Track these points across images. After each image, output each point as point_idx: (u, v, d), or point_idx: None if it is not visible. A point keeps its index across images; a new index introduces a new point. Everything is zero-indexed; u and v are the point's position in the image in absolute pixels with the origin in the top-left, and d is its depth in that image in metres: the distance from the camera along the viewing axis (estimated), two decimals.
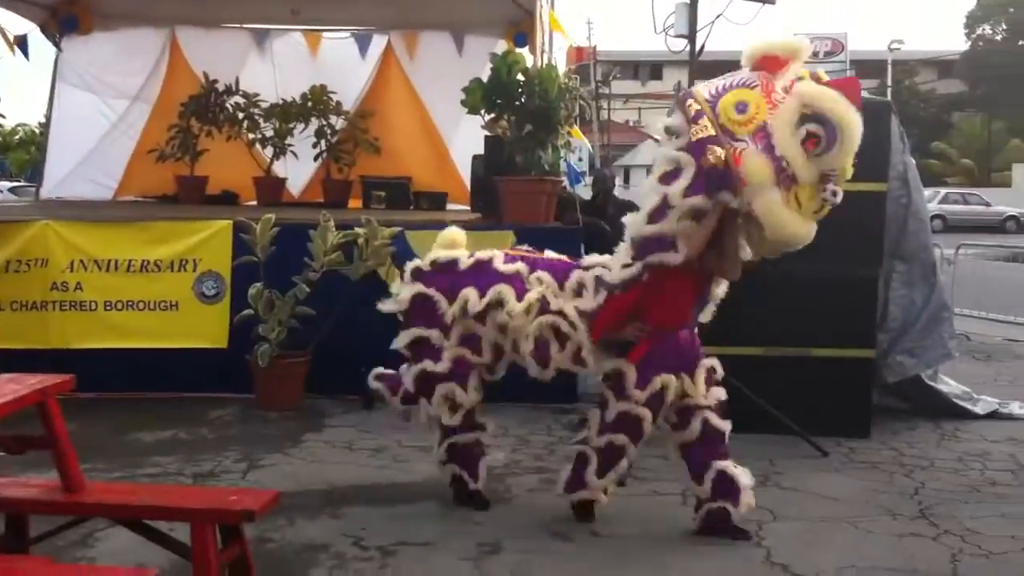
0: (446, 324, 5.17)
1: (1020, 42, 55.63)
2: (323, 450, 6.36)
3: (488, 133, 8.40)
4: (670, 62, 47.01)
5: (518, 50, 8.72)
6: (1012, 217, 37.31)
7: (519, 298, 5.01)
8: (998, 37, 57.89)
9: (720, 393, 5.02)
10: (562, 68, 9.16)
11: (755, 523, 5.10)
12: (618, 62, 52.75)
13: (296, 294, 7.30)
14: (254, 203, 10.38)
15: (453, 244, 5.47)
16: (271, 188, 10.56)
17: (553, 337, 5.00)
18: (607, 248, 8.17)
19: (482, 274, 5.16)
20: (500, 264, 5.19)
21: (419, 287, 5.30)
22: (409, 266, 5.48)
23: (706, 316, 5.17)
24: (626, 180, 34.04)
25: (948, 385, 7.66)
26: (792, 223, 4.47)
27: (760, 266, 5.03)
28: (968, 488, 5.77)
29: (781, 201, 4.40)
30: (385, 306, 5.50)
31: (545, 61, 9.29)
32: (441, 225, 8.08)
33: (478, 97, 7.77)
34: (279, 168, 10.92)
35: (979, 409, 7.46)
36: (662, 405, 4.88)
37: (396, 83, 11.58)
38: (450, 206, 10.58)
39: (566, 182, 8.82)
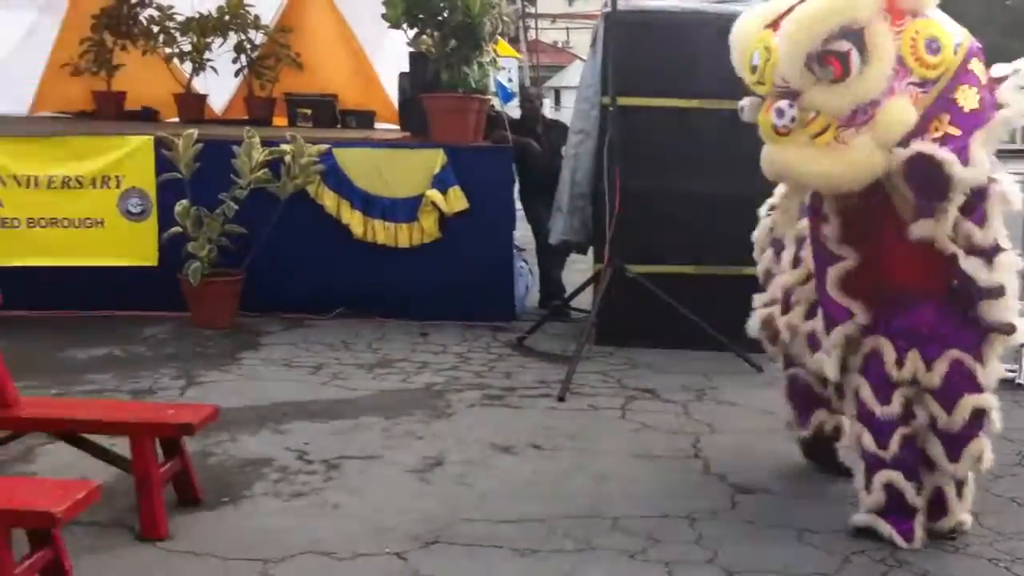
0: None
1: None
2: (261, 368, 6.31)
3: (412, 50, 8.25)
4: None
5: None
6: None
7: None
8: None
9: None
10: None
11: (692, 436, 5.23)
12: None
13: (224, 211, 7.15)
14: (176, 120, 10.07)
15: None
16: (192, 105, 10.22)
17: None
18: (535, 167, 8.22)
19: None
20: None
21: None
22: None
23: None
24: (557, 101, 33.83)
25: None
26: None
27: None
28: None
29: None
30: None
31: None
32: (368, 143, 8.02)
33: (399, 11, 7.60)
34: (199, 84, 10.55)
35: None
36: None
37: None
38: (378, 125, 10.40)
39: (495, 101, 8.74)
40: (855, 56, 3.45)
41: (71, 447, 4.24)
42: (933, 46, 3.55)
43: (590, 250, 7.55)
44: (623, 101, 6.85)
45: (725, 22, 7.11)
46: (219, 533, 3.91)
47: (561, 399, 5.76)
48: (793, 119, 3.57)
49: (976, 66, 3.69)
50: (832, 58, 3.46)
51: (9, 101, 10.15)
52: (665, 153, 7.01)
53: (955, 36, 3.66)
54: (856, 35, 3.45)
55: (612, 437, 5.20)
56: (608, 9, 6.96)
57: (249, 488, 4.37)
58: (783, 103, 3.58)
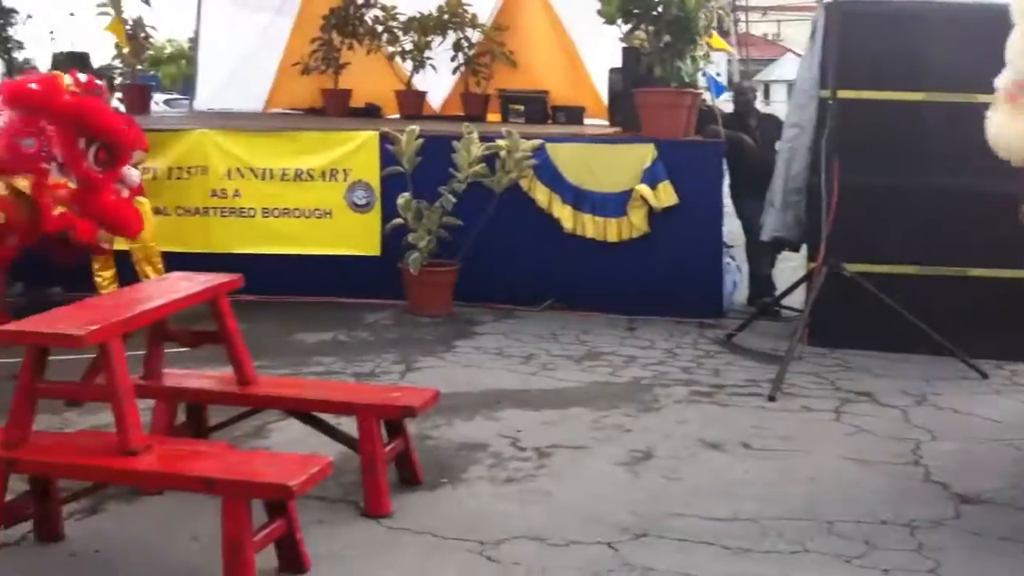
0: None
1: None
2: (475, 355, 6.52)
3: (625, 45, 8.28)
4: None
5: None
6: None
7: None
8: None
9: None
10: None
11: (912, 442, 5.05)
12: None
13: (443, 204, 7.41)
14: (396, 116, 10.50)
15: None
16: (412, 101, 10.64)
17: None
18: (748, 162, 8.09)
19: None
20: None
21: None
22: None
23: None
24: (766, 95, 33.07)
25: None
26: None
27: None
28: None
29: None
30: None
31: None
32: (580, 139, 8.12)
33: (614, 7, 7.65)
34: (419, 81, 10.97)
35: None
36: None
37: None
38: (587, 120, 10.50)
39: (707, 95, 8.66)
40: None
41: (300, 425, 4.53)
42: None
43: (803, 247, 7.38)
44: (843, 94, 6.65)
45: (952, 12, 6.86)
46: (438, 513, 4.09)
47: (772, 399, 5.67)
48: None
49: None
50: None
51: (246, 98, 10.87)
52: (886, 147, 6.76)
53: None
54: None
55: (826, 440, 5.08)
56: (830, 0, 6.78)
57: (465, 471, 4.54)
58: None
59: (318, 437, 4.44)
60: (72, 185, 5.04)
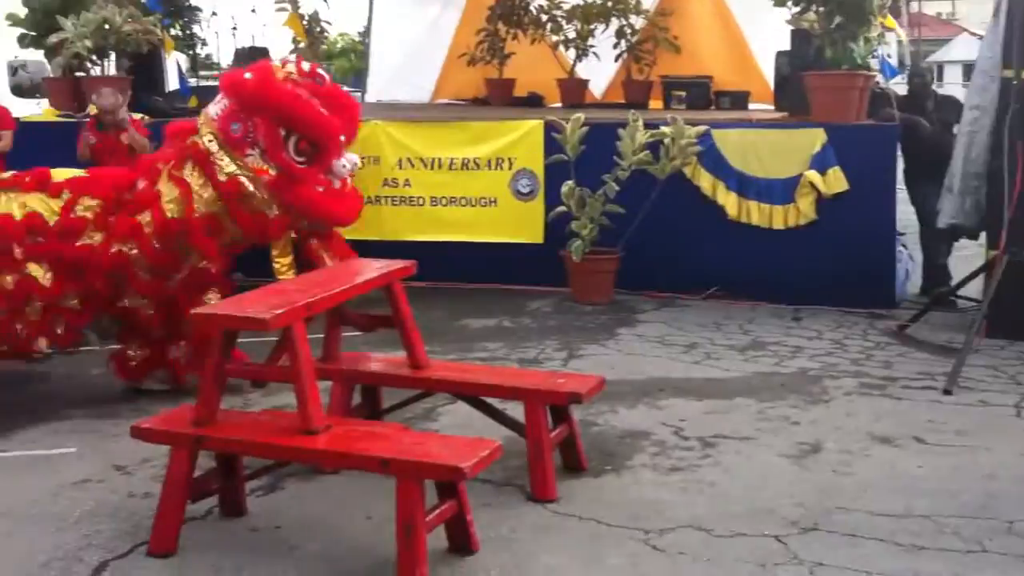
0: None
1: None
2: (636, 343, 6.54)
3: (793, 27, 8.09)
4: None
5: None
6: None
7: None
8: None
9: None
10: None
11: None
12: None
13: (606, 192, 7.44)
14: (558, 105, 10.58)
15: None
16: (574, 89, 10.70)
17: None
18: (924, 146, 7.79)
19: None
20: None
21: None
22: None
23: None
24: (939, 77, 31.67)
25: None
26: None
27: None
28: None
29: None
30: None
31: None
32: (746, 124, 7.99)
33: None
34: (581, 70, 11.02)
35: None
36: None
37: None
38: (752, 105, 10.32)
39: (879, 77, 8.38)
40: None
41: (466, 408, 4.66)
42: None
43: (981, 235, 7.07)
44: None
45: None
46: (602, 500, 4.14)
47: (947, 392, 5.48)
48: None
49: None
50: None
51: (413, 89, 11.17)
52: None
53: None
54: None
55: (1005, 436, 4.88)
56: None
57: (629, 459, 4.58)
58: None
59: (483, 420, 4.56)
60: (273, 172, 5.17)
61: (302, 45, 10.28)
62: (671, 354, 6.29)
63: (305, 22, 10.25)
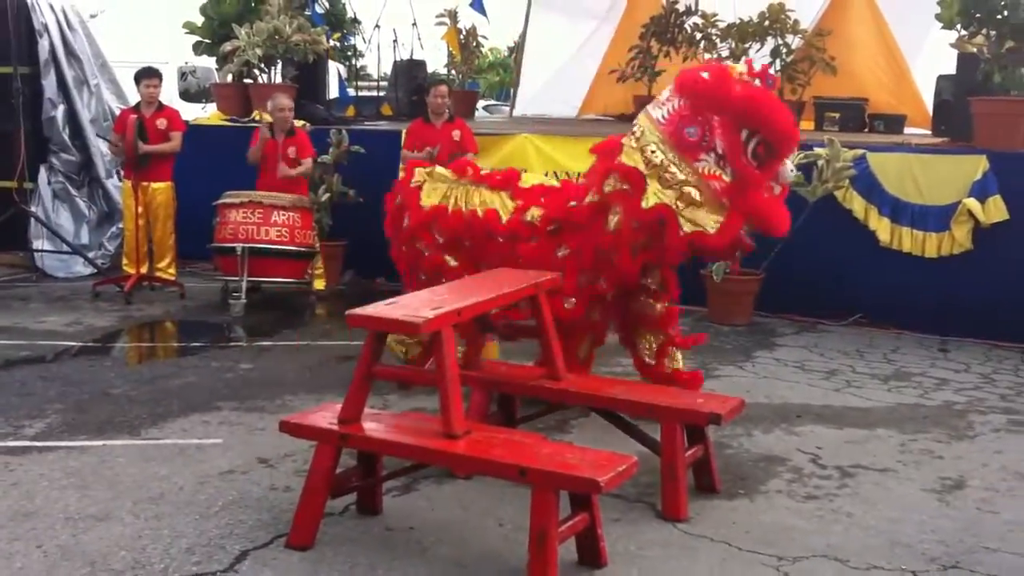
0: None
1: None
2: (775, 367, 6.47)
3: (959, 51, 7.86)
4: None
5: None
6: None
7: None
8: None
9: None
10: None
11: None
12: None
13: None
14: None
15: None
16: None
17: None
18: None
19: None
20: None
21: None
22: None
23: None
24: None
25: None
26: None
27: None
28: None
29: None
30: None
31: None
32: (905, 148, 7.78)
33: (954, 10, 7.32)
34: None
35: None
36: None
37: (858, 0, 11.11)
38: (907, 129, 10.05)
39: None
40: None
41: (600, 422, 4.70)
42: None
43: None
44: None
45: None
46: (735, 523, 4.12)
47: None
48: None
49: None
50: None
51: (561, 104, 11.28)
52: None
53: None
54: None
55: None
56: None
57: (764, 484, 4.55)
58: None
59: (616, 435, 4.59)
60: (727, 178, 4.75)
61: (457, 59, 10.55)
62: (811, 380, 6.20)
63: (462, 36, 10.51)
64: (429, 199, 5.50)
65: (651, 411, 4.42)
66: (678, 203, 4.82)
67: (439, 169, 5.69)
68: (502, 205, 5.33)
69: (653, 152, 4.85)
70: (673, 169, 4.80)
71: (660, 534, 4.01)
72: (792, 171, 4.97)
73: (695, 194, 4.79)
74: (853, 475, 4.66)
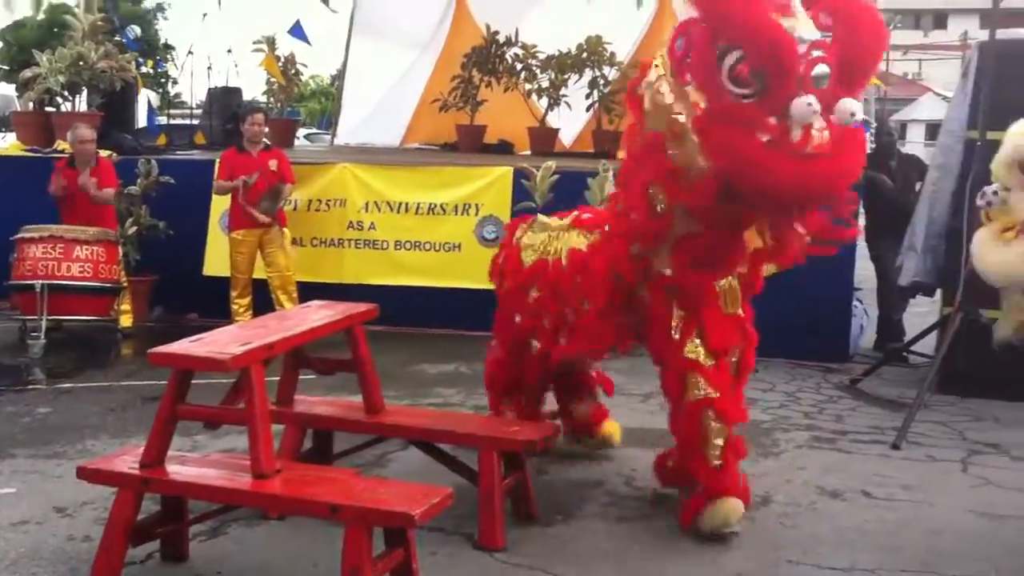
0: None
1: None
2: None
3: None
4: (956, 10, 43.88)
5: None
6: None
7: None
8: None
9: None
10: None
11: None
12: (899, 10, 49.83)
13: None
14: (527, 152, 10.69)
15: None
16: (544, 138, 10.80)
17: None
18: (885, 203, 7.90)
19: None
20: None
21: None
22: None
23: None
24: (902, 135, 32.24)
25: None
26: None
27: None
28: None
29: None
30: None
31: None
32: None
33: None
34: (552, 118, 11.15)
35: None
36: None
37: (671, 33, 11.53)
38: None
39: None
40: None
41: (419, 454, 4.67)
42: None
43: (937, 292, 7.20)
44: (994, 136, 6.48)
45: None
46: (552, 549, 4.15)
47: (896, 447, 5.56)
48: (990, 203, 3.92)
49: None
50: None
51: (383, 133, 11.24)
52: None
53: None
54: None
55: (950, 491, 4.96)
56: (977, 40, 6.64)
57: (580, 508, 4.60)
58: (990, 187, 3.96)
59: (435, 467, 4.56)
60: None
61: (276, 86, 10.38)
62: (629, 403, 6.33)
63: (281, 63, 10.35)
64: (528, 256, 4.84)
65: (468, 440, 4.43)
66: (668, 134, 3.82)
67: (541, 219, 4.99)
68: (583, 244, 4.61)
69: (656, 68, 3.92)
70: (664, 89, 3.82)
71: (477, 564, 4.00)
72: (850, 112, 3.56)
73: (682, 119, 3.76)
74: (669, 494, 4.76)
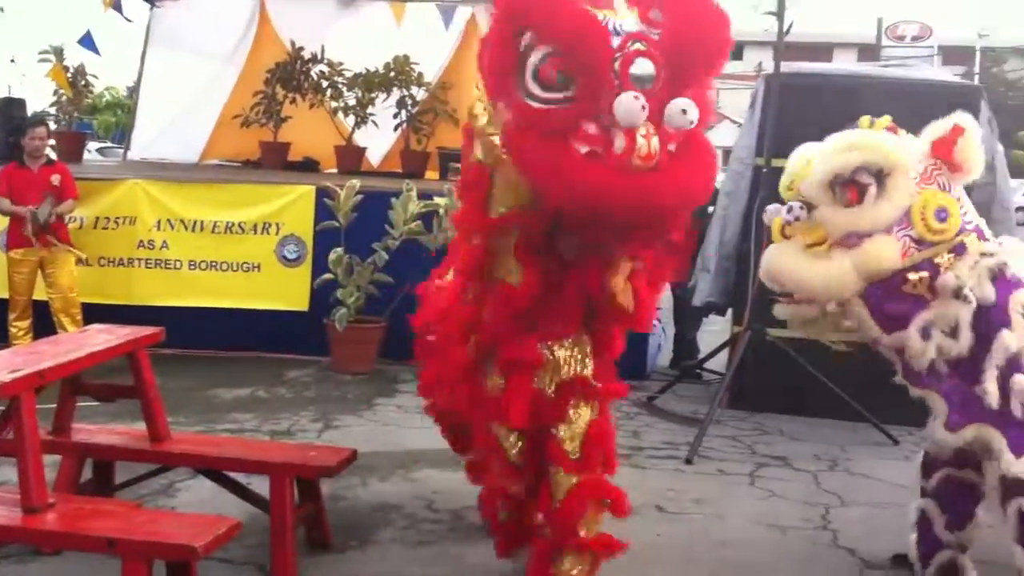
0: None
1: None
2: (395, 414, 6.50)
3: None
4: (751, 42, 46.31)
5: None
6: None
7: None
8: None
9: None
10: None
11: (822, 507, 5.13)
12: None
13: (375, 261, 7.43)
14: (334, 171, 10.53)
15: None
16: (351, 156, 10.67)
17: None
18: None
19: None
20: None
21: None
22: None
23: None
24: None
25: None
26: None
27: None
28: None
29: None
30: None
31: None
32: None
33: None
34: (360, 137, 11.02)
35: None
36: None
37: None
38: None
39: None
40: (872, 191, 3.75)
41: (209, 483, 4.49)
42: (941, 215, 3.79)
43: (728, 312, 7.50)
44: (778, 163, 6.80)
45: (888, 85, 7.04)
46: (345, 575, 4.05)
47: (689, 462, 5.74)
48: (798, 218, 3.87)
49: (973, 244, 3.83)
50: (852, 187, 3.77)
51: (181, 149, 10.81)
52: None
53: (967, 216, 3.88)
54: (882, 176, 3.75)
55: (739, 503, 5.15)
56: (770, 71, 6.97)
57: (376, 533, 4.52)
58: (796, 203, 3.92)
59: (226, 497, 4.40)
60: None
61: (64, 98, 9.85)
62: (429, 424, 6.16)
63: (70, 74, 9.83)
64: None
65: (260, 467, 4.27)
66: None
67: None
68: None
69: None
70: (479, 115, 3.44)
71: None
72: (683, 112, 2.97)
73: (496, 139, 3.29)
74: (464, 517, 4.75)
